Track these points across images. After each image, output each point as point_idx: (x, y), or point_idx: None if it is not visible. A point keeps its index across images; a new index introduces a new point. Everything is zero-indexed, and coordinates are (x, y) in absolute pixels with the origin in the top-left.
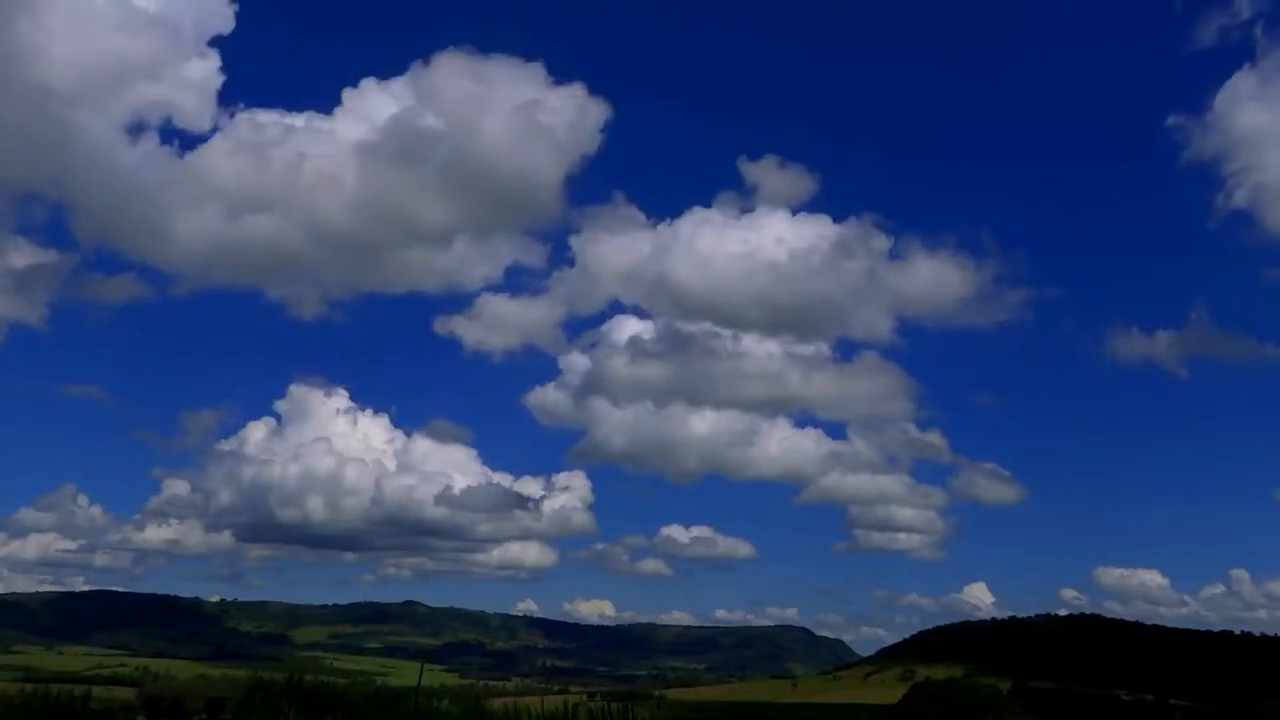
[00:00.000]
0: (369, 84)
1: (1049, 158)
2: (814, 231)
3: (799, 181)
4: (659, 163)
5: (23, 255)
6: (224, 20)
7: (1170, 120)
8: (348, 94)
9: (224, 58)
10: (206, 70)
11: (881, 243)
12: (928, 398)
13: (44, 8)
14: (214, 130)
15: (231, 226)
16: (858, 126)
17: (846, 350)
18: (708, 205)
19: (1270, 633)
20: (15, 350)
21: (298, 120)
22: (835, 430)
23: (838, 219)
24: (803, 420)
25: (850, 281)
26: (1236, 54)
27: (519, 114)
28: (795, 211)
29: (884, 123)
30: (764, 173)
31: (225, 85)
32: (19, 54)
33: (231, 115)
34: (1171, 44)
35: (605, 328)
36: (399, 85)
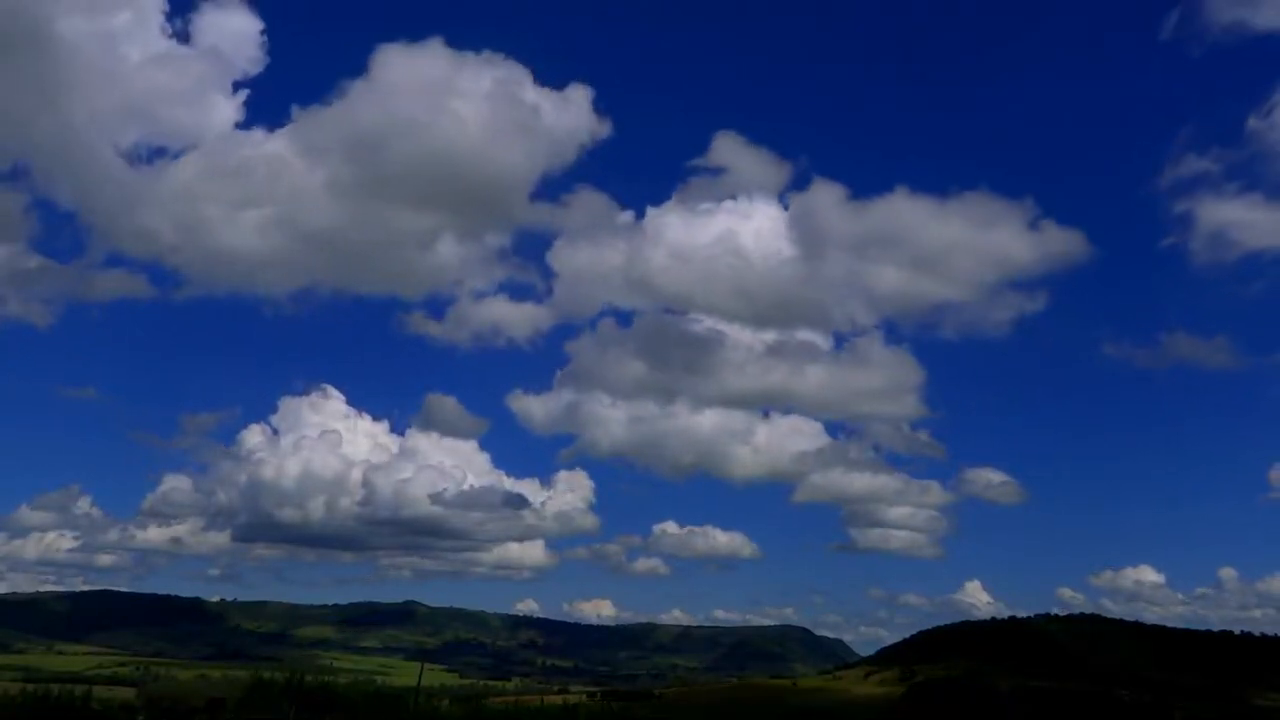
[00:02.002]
0: (359, 86)
1: (1044, 154)
2: (805, 222)
3: (784, 171)
4: (647, 159)
5: (28, 259)
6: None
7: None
8: (345, 99)
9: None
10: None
11: (875, 234)
12: (927, 397)
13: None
14: (216, 142)
15: (231, 232)
16: (847, 118)
17: (845, 348)
18: (693, 198)
19: (1269, 632)
20: (18, 352)
21: (292, 127)
22: (833, 428)
23: (832, 209)
24: (801, 418)
25: (846, 277)
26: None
27: (507, 114)
28: (787, 204)
29: (870, 115)
30: (754, 166)
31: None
32: (48, 82)
33: (238, 130)
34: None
35: (597, 326)
36: (380, 85)
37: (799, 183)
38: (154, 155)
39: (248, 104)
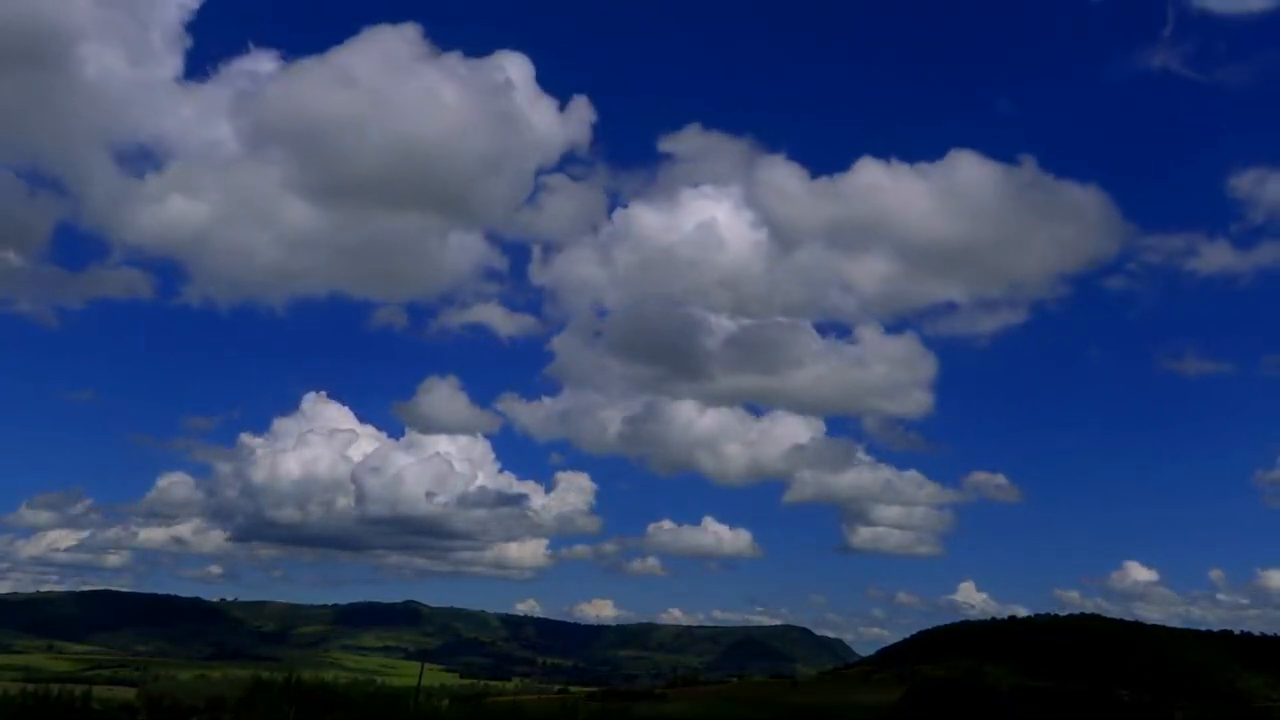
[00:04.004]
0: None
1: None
2: (799, 217)
3: (772, 160)
4: (628, 156)
5: (32, 264)
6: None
7: None
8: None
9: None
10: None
11: (873, 227)
12: (926, 394)
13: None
14: (219, 150)
15: (230, 237)
16: (814, 97)
17: (843, 345)
18: (679, 193)
19: (1268, 631)
20: (20, 353)
21: (292, 132)
22: (835, 426)
23: (811, 195)
24: (799, 414)
25: (844, 271)
26: None
27: (500, 113)
28: (780, 200)
29: (829, 94)
30: (728, 155)
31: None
32: (59, 97)
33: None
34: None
35: (591, 325)
36: (364, 84)
37: (787, 169)
38: (158, 165)
39: (257, 127)
